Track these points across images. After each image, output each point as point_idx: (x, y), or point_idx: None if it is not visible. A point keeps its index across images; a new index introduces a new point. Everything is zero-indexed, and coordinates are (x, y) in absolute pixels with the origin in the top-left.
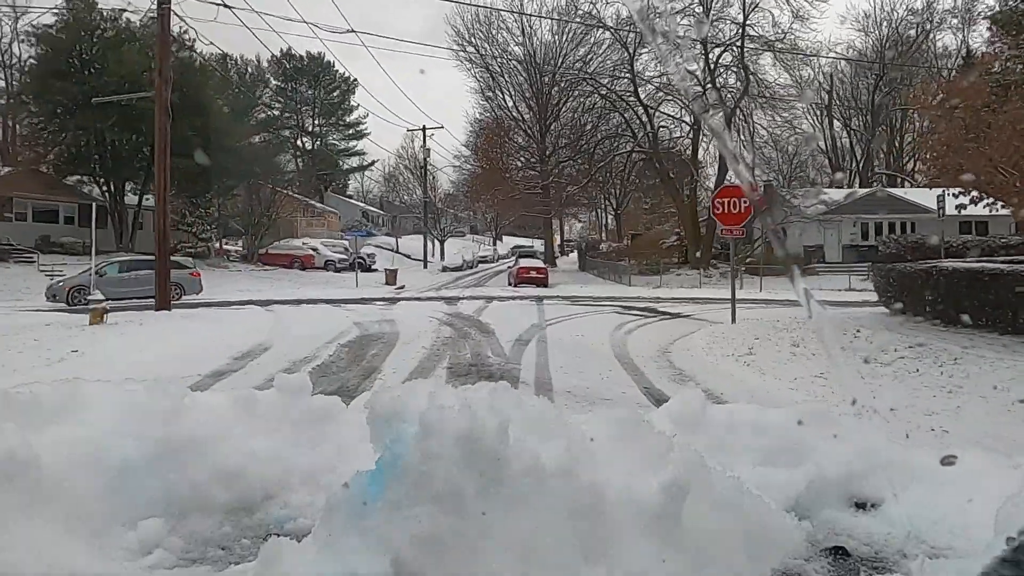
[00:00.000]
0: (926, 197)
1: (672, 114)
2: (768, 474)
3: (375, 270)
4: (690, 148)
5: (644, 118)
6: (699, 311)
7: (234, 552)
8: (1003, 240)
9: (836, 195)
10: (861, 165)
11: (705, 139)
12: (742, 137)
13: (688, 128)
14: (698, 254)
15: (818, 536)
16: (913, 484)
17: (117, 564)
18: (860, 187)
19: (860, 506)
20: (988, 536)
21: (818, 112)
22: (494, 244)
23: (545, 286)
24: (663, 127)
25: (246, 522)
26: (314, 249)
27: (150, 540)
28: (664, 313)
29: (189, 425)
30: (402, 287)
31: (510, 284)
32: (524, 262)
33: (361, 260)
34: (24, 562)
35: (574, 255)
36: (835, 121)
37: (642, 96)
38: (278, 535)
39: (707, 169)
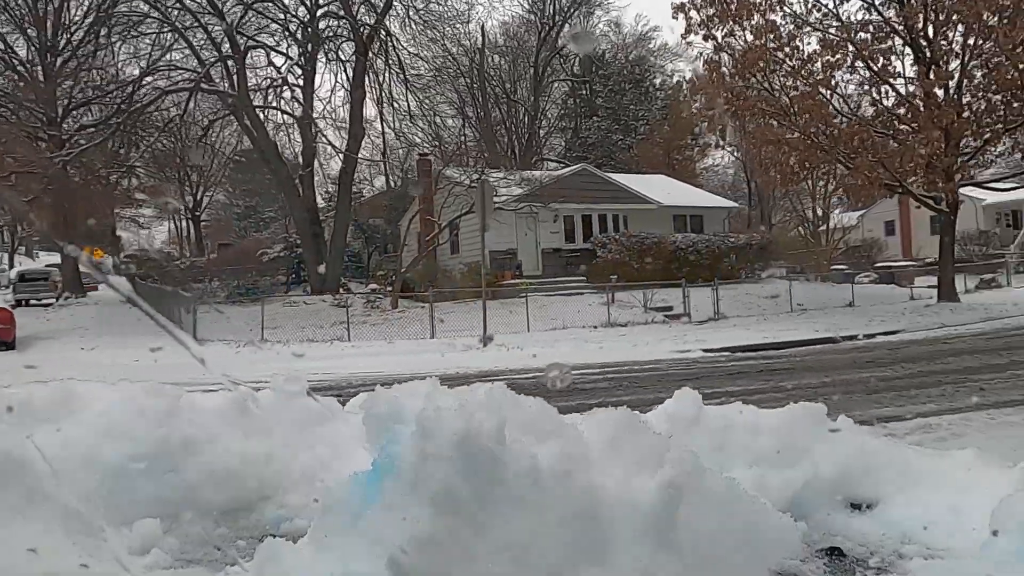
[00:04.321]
0: (636, 183)
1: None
2: (764, 474)
3: None
4: (301, 94)
5: (221, 39)
6: None
7: (230, 553)
8: (732, 241)
9: (529, 178)
10: (524, 144)
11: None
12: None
13: (294, 62)
14: (321, 269)
15: (814, 537)
16: (909, 485)
17: (113, 564)
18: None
19: (856, 507)
20: (983, 537)
21: (471, 79)
22: (9, 264)
23: (10, 346)
24: (257, 49)
25: (242, 523)
26: None
27: (146, 541)
28: None
29: (184, 426)
30: None
31: None
32: None
33: None
34: (21, 562)
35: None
36: (487, 93)
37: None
38: (274, 536)
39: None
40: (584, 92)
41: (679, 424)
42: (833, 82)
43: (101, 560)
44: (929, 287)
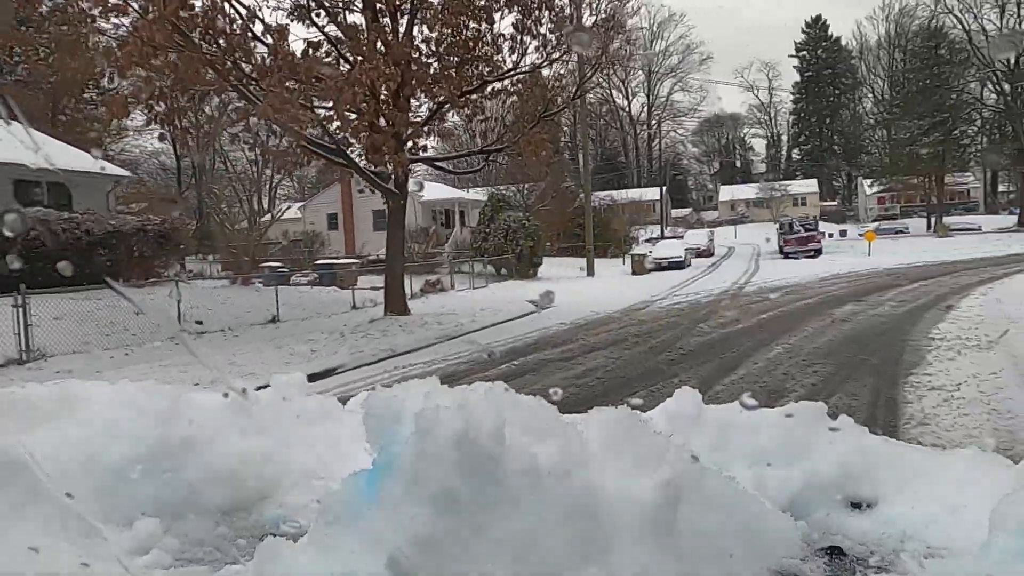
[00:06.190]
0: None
1: None
2: (764, 474)
3: None
4: None
5: None
6: None
7: (230, 553)
8: (115, 224)
9: None
10: None
11: None
12: None
13: None
14: None
15: (814, 536)
16: (909, 483)
17: (113, 564)
18: None
19: (856, 505)
20: (984, 536)
21: None
22: None
23: None
24: None
25: (242, 523)
26: None
27: (146, 540)
28: None
29: (184, 425)
30: None
31: None
32: None
33: None
34: (18, 563)
35: None
36: None
37: None
38: (274, 535)
39: None
40: None
41: (679, 423)
42: None
43: (101, 560)
44: (373, 289)
